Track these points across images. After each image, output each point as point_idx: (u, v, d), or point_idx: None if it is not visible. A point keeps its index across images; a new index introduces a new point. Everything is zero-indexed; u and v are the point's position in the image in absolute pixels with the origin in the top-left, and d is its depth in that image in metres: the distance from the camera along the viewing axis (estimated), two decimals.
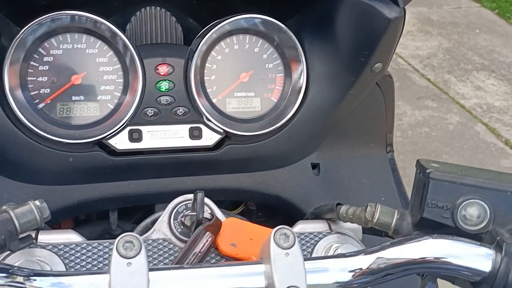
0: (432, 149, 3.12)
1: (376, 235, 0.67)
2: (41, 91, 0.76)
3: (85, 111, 0.78)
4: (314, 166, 0.89)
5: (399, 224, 0.59)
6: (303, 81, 0.82)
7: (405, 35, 4.33)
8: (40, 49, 0.75)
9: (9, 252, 0.56)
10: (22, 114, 0.73)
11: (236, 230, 0.64)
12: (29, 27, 0.73)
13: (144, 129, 0.79)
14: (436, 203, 0.55)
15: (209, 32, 0.79)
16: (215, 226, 0.62)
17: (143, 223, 0.74)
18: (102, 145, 0.78)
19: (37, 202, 0.54)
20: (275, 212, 0.92)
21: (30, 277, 0.47)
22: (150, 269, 0.50)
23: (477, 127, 3.34)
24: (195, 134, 0.81)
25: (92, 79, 0.77)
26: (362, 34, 0.75)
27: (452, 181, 0.55)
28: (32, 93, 0.75)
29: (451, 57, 4.06)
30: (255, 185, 0.85)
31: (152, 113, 0.79)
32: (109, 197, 0.81)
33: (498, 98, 3.63)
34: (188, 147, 0.81)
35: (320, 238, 0.68)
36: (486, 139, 3.25)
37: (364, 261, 0.54)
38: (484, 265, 0.52)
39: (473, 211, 0.55)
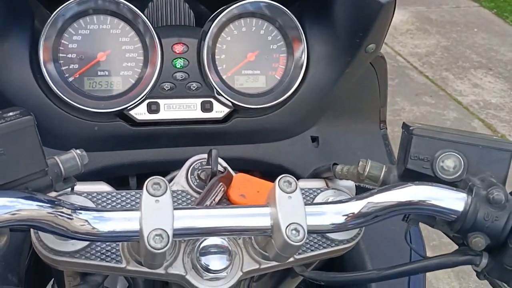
0: None
1: None
2: (70, 66, 0.85)
3: (109, 85, 0.87)
4: (314, 139, 0.98)
5: (387, 176, 0.68)
6: (304, 61, 0.91)
7: (404, 33, 4.43)
8: (69, 29, 0.84)
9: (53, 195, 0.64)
10: (55, 86, 0.82)
11: (245, 183, 0.73)
12: (59, 10, 0.83)
13: (161, 102, 0.88)
14: (418, 156, 0.65)
15: (219, 15, 0.88)
16: (227, 179, 0.71)
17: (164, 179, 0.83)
18: (123, 116, 0.88)
19: (78, 151, 0.63)
20: None
21: (77, 210, 0.55)
22: (175, 208, 0.59)
23: (474, 123, 3.43)
24: (206, 107, 0.90)
25: (116, 56, 0.86)
26: (357, 17, 0.85)
27: (432, 136, 0.65)
28: (63, 68, 0.84)
29: (449, 55, 4.15)
30: (260, 155, 0.95)
31: (169, 88, 0.88)
32: (129, 163, 0.90)
33: (495, 95, 3.72)
34: (200, 119, 0.90)
35: (318, 193, 0.77)
36: None
37: (356, 206, 0.63)
38: (458, 206, 0.61)
39: (449, 163, 0.64)
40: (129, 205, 0.70)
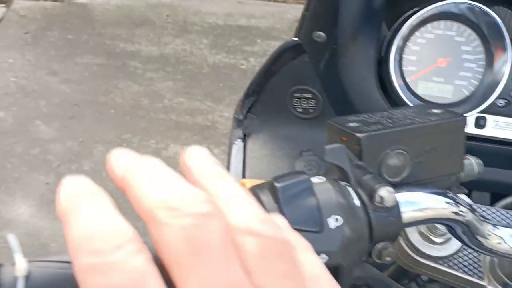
0: None
1: None
2: (409, 68, 0.85)
3: (440, 92, 0.85)
4: None
5: None
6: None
7: None
8: (417, 32, 0.84)
9: None
10: (396, 85, 0.83)
11: None
12: (415, 11, 0.83)
13: (489, 117, 0.84)
14: None
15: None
16: None
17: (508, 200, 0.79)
18: None
19: (476, 159, 0.62)
20: None
21: (495, 225, 0.53)
22: None
23: None
24: None
25: (455, 64, 0.84)
26: None
27: None
28: (402, 68, 0.85)
29: None
30: None
31: (503, 104, 0.83)
32: None
33: None
34: None
35: None
36: None
37: None
38: None
39: None
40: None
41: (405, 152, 0.53)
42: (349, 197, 0.47)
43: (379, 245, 0.48)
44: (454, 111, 0.57)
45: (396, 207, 0.48)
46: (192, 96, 3.07)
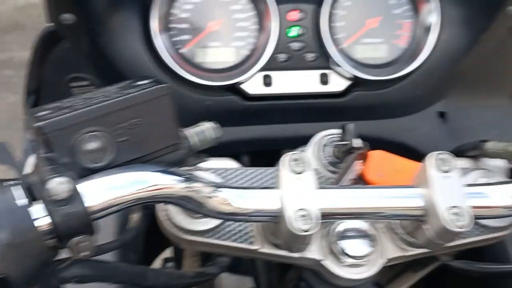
0: None
1: None
2: (182, 37, 0.80)
3: (221, 57, 0.81)
4: (441, 114, 0.87)
5: None
6: (433, 25, 0.81)
7: None
8: None
9: None
10: (166, 58, 0.78)
11: (383, 161, 0.65)
12: None
13: (274, 74, 0.82)
14: None
15: None
16: (364, 156, 0.63)
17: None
18: (234, 90, 0.82)
19: (209, 124, 0.58)
20: None
21: (218, 188, 0.50)
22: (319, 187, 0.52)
23: None
24: (324, 80, 0.82)
25: (228, 26, 0.81)
26: None
27: None
28: (174, 39, 0.80)
29: None
30: (380, 133, 0.86)
31: (284, 59, 0.81)
32: (241, 140, 0.85)
33: None
34: (317, 93, 0.83)
35: (465, 174, 0.67)
36: None
37: None
38: None
39: None
40: (259, 182, 0.64)
41: (101, 133, 0.48)
42: (10, 198, 0.42)
43: (73, 241, 0.44)
44: (160, 80, 0.53)
45: (75, 198, 0.43)
46: None
